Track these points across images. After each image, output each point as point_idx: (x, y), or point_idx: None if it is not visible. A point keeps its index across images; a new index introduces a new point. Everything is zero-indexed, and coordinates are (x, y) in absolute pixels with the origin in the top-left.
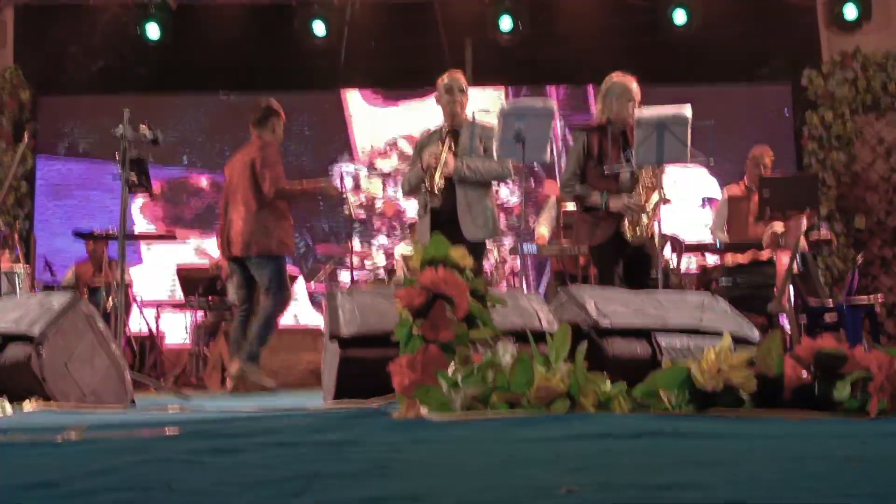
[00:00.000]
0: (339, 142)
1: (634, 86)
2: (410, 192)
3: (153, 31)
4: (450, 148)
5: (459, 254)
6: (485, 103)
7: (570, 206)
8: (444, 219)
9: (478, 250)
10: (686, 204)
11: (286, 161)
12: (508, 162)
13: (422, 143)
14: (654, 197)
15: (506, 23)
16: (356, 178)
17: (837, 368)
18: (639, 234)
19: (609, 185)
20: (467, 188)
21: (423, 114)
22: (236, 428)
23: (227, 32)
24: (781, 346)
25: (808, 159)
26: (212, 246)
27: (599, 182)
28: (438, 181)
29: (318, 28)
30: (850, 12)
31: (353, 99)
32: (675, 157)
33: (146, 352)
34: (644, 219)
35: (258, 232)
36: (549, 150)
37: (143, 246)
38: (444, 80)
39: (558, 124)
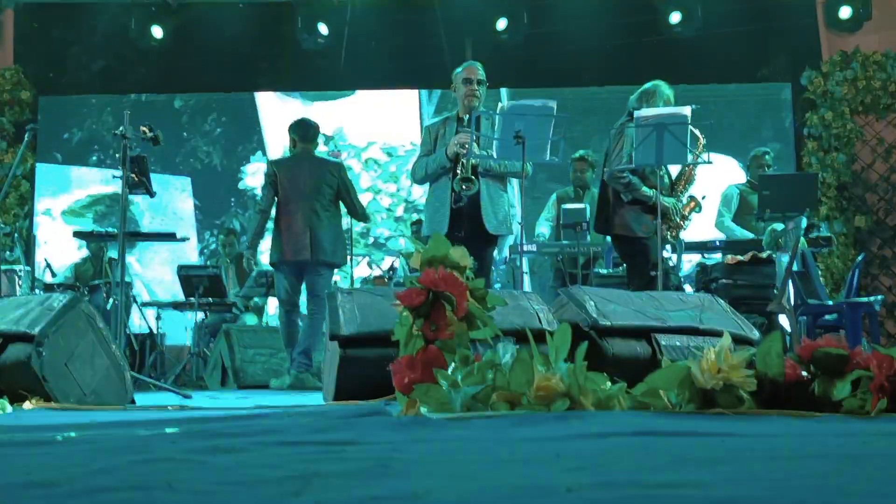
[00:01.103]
0: (253, 141)
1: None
2: (425, 179)
3: (157, 32)
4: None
5: (459, 254)
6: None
7: (570, 206)
8: (466, 211)
9: (494, 244)
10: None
11: (198, 159)
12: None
13: (436, 131)
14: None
15: (501, 23)
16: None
17: (837, 368)
18: (675, 235)
19: (654, 182)
20: (489, 180)
21: (337, 114)
22: (236, 427)
23: (227, 32)
24: (781, 346)
25: (808, 159)
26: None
27: (647, 177)
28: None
29: (320, 28)
30: (845, 13)
31: (266, 99)
32: (674, 158)
33: (146, 351)
34: (680, 221)
35: (337, 242)
36: (548, 149)
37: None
38: (462, 71)
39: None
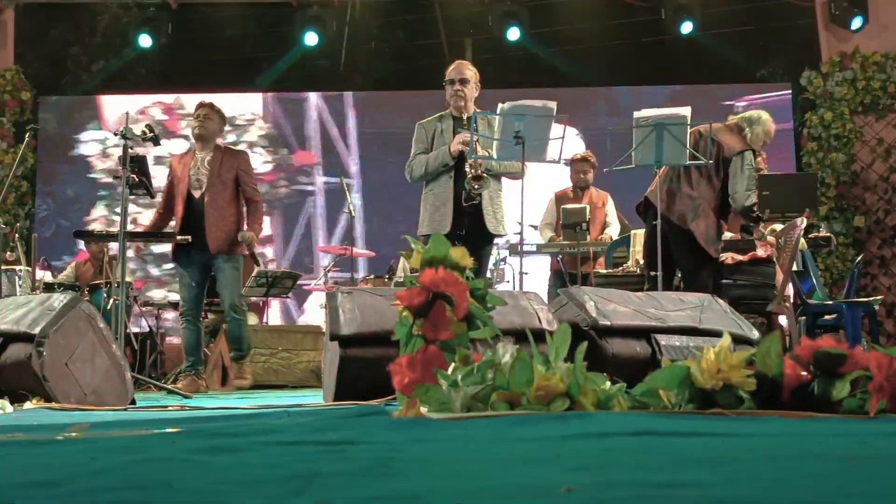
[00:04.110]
0: None
1: None
2: (424, 177)
3: (145, 40)
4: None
5: (459, 254)
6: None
7: (570, 206)
8: (468, 209)
9: (492, 243)
10: None
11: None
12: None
13: (432, 129)
14: None
15: (513, 33)
16: None
17: (837, 368)
18: None
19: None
20: (490, 180)
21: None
22: (236, 427)
23: (227, 32)
24: (781, 346)
25: (807, 159)
26: None
27: None
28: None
29: (320, 29)
30: (856, 23)
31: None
32: (673, 158)
33: (146, 351)
34: None
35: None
36: (548, 150)
37: None
38: (449, 71)
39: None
